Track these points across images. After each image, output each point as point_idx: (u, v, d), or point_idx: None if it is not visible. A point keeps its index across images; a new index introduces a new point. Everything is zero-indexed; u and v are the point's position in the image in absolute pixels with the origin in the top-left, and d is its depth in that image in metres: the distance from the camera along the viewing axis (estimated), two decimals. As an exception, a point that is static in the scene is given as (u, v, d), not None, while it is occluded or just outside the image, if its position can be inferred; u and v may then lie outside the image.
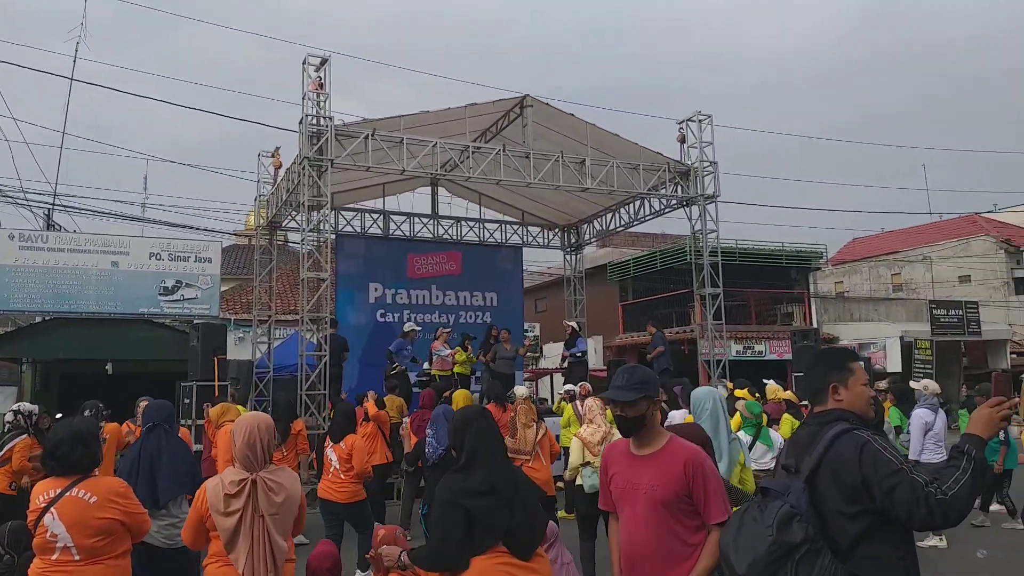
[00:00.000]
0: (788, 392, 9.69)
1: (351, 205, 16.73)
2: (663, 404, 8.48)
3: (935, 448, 8.00)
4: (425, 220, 17.42)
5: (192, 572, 4.61)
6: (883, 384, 14.93)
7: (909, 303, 28.13)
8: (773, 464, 7.31)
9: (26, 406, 7.84)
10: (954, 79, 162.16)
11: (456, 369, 13.17)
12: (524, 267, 19.15)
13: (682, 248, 19.93)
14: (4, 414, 9.73)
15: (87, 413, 7.49)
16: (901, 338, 23.00)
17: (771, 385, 10.10)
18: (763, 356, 21.70)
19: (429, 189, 17.37)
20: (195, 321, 15.61)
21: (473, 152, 13.41)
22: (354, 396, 10.98)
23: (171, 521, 4.73)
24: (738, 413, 7.31)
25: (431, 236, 17.40)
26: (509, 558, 2.98)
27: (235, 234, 26.16)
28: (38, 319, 17.89)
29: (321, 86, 12.25)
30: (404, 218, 17.22)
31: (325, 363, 12.10)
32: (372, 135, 12.41)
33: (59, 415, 10.40)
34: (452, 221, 17.77)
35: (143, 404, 6.96)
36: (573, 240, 18.93)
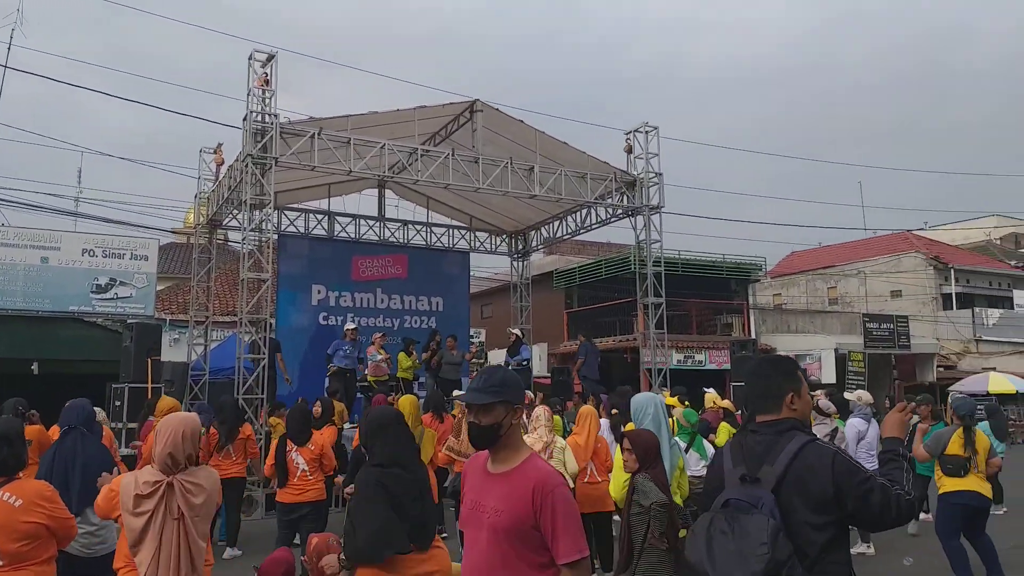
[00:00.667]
0: (726, 401, 9.88)
1: (295, 205, 16.45)
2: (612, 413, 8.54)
3: (868, 457, 8.21)
4: (371, 222, 17.23)
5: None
6: (820, 395, 15.30)
7: (844, 316, 29.00)
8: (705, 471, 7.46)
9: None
10: (891, 104, 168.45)
11: (400, 375, 13.04)
12: (471, 272, 19.12)
13: (627, 257, 20.18)
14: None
15: (8, 412, 7.13)
16: (836, 350, 23.67)
17: (710, 394, 10.27)
18: (703, 365, 22.08)
19: (376, 191, 17.21)
20: (129, 321, 15.10)
21: (422, 155, 13.32)
22: (293, 401, 10.74)
23: (89, 529, 4.50)
24: (674, 420, 7.44)
25: (377, 238, 17.22)
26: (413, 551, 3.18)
27: (173, 232, 25.42)
28: (-41, 315, 17.06)
29: (267, 83, 12.00)
30: (349, 219, 17.01)
31: (264, 366, 11.84)
32: (318, 134, 12.22)
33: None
34: (399, 224, 17.62)
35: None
36: (520, 246, 18.96)
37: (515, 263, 19.09)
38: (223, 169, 14.45)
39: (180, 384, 14.01)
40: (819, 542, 2.36)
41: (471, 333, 19.47)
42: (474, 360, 17.83)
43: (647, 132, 15.00)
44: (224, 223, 15.69)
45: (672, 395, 9.78)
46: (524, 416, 9.31)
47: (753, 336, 24.03)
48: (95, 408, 5.76)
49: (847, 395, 9.19)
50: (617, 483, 4.96)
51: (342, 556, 3.26)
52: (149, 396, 11.68)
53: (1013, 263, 37.38)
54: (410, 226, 17.73)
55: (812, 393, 3.67)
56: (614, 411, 8.59)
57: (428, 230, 17.95)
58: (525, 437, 6.57)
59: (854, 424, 8.40)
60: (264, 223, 12.58)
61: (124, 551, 3.30)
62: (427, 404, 9.28)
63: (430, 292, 17.33)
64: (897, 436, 2.62)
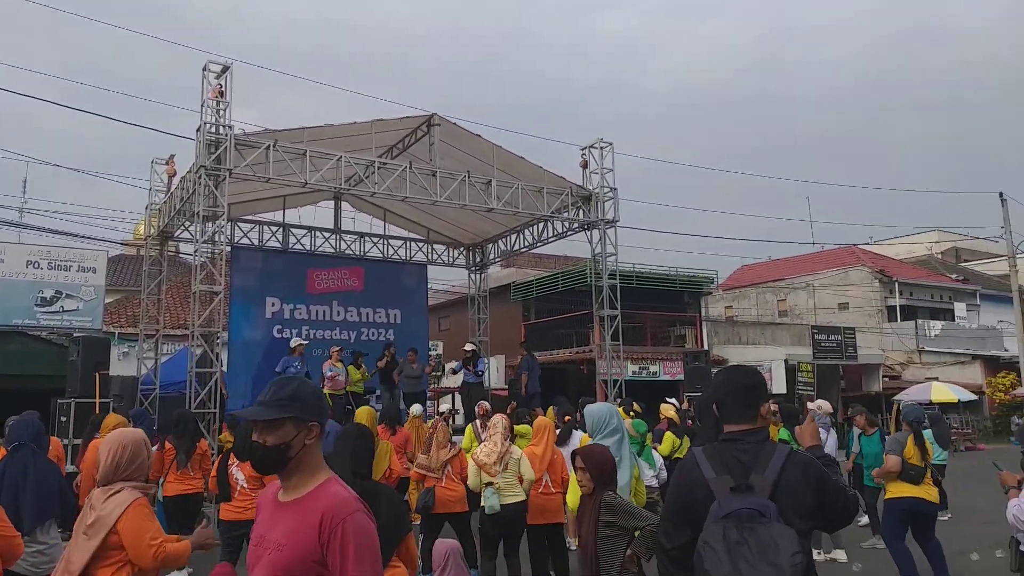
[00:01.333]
0: (671, 410, 10.09)
1: (249, 217, 16.24)
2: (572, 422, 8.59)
3: (823, 465, 8.41)
4: (327, 235, 17.11)
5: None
6: (773, 406, 15.63)
7: (793, 328, 29.66)
8: (655, 482, 7.58)
9: None
10: (838, 117, 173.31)
11: (350, 388, 12.93)
12: (428, 285, 19.08)
13: (583, 270, 20.35)
14: None
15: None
16: (786, 361, 24.18)
17: (664, 405, 10.45)
18: (657, 376, 22.35)
19: (332, 203, 17.10)
20: (75, 334, 14.69)
21: (379, 168, 13.30)
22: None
23: (38, 548, 4.38)
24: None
25: (333, 251, 17.10)
26: None
27: (123, 244, 24.86)
28: None
29: (222, 93, 11.90)
30: (305, 232, 16.86)
31: (215, 380, 11.65)
32: (274, 146, 12.13)
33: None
34: (355, 236, 17.53)
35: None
36: (478, 259, 19.01)
37: (473, 276, 19.12)
38: (175, 180, 14.22)
39: (129, 399, 13.69)
40: (805, 548, 2.44)
41: (429, 345, 19.41)
42: (433, 373, 17.80)
43: (602, 148, 15.21)
44: (176, 235, 15.44)
45: (619, 406, 9.93)
46: (479, 425, 9.36)
47: (706, 347, 24.41)
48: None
49: (809, 404, 9.41)
50: (576, 495, 4.88)
51: None
52: (97, 411, 11.38)
53: (954, 277, 38.70)
54: (367, 239, 17.65)
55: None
56: (567, 417, 8.67)
57: (385, 243, 17.88)
58: (479, 449, 6.61)
59: (813, 433, 8.60)
60: (217, 235, 12.42)
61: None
62: (381, 416, 9.24)
63: (387, 305, 17.24)
64: (816, 444, 2.89)
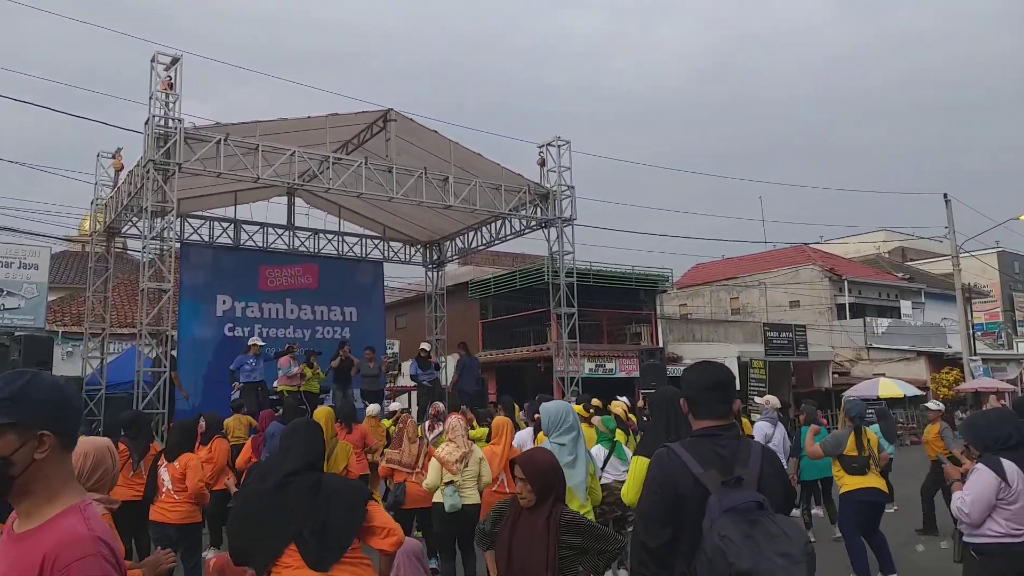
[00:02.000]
0: (621, 408, 10.18)
1: (199, 212, 15.89)
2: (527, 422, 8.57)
3: (773, 459, 8.55)
4: (280, 231, 16.82)
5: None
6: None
7: (746, 325, 30.14)
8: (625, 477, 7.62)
9: None
10: (788, 121, 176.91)
11: (304, 388, 12.74)
12: (385, 282, 18.89)
13: (540, 268, 20.37)
14: None
15: None
16: (738, 358, 24.55)
17: (615, 403, 10.54)
18: (613, 374, 22.49)
19: (285, 199, 16.82)
20: (16, 333, 14.20)
21: (334, 163, 13.11)
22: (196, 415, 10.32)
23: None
24: (592, 428, 7.60)
25: (286, 248, 16.81)
26: (303, 569, 3.00)
27: (67, 240, 24.10)
28: None
29: (171, 86, 11.62)
30: (257, 228, 16.55)
31: (164, 379, 11.36)
32: (225, 140, 11.87)
33: None
34: (309, 233, 17.27)
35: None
36: (435, 257, 18.89)
37: (430, 273, 19.00)
38: (122, 175, 13.85)
39: (73, 400, 13.26)
40: None
41: (386, 344, 19.23)
42: (390, 372, 17.61)
43: (559, 146, 15.24)
44: (123, 231, 15.07)
45: (577, 403, 9.95)
46: (429, 427, 9.27)
47: (661, 345, 24.65)
48: None
49: (757, 399, 9.55)
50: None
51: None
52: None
53: (900, 275, 39.79)
54: (321, 235, 17.40)
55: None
56: (536, 415, 8.66)
57: (340, 239, 17.65)
58: (441, 448, 6.54)
59: (761, 427, 8.73)
60: (166, 231, 12.13)
61: None
62: (337, 414, 9.09)
63: (343, 302, 17.02)
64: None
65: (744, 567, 2.16)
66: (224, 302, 15.55)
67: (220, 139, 11.84)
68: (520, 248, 27.80)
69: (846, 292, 34.47)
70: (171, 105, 11.62)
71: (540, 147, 15.45)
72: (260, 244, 16.54)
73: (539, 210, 15.40)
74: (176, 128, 11.55)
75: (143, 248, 11.96)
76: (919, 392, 25.52)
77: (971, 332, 29.94)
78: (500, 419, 7.33)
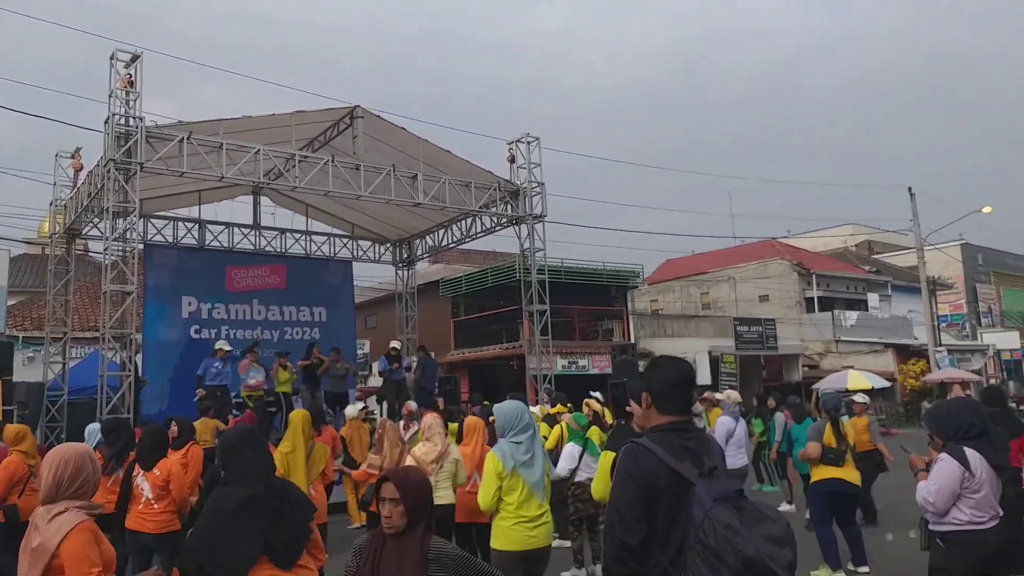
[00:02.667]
0: (596, 405, 10.17)
1: (162, 213, 15.60)
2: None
3: (736, 453, 8.58)
4: (246, 231, 16.58)
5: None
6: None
7: (716, 320, 30.39)
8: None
9: None
10: (758, 116, 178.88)
11: (279, 389, 12.54)
12: (355, 282, 18.71)
13: (512, 266, 20.32)
14: None
15: None
16: (709, 352, 24.74)
17: (588, 399, 10.54)
18: (586, 370, 22.51)
19: (251, 198, 16.58)
20: (-27, 338, 13.84)
21: (300, 161, 12.92)
22: (162, 420, 10.11)
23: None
24: (564, 426, 7.58)
25: (252, 247, 16.58)
26: (272, 569, 3.13)
27: (26, 242, 23.53)
28: None
29: (131, 84, 11.37)
30: (222, 228, 16.29)
31: (130, 384, 11.12)
32: (188, 138, 11.65)
33: None
34: (276, 232, 17.05)
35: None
36: (405, 255, 18.75)
37: (400, 272, 18.85)
38: (82, 175, 13.53)
39: (36, 406, 13.00)
40: None
41: (356, 344, 19.04)
42: (360, 373, 17.44)
43: (529, 143, 15.18)
44: (84, 232, 14.75)
45: (553, 404, 9.92)
46: (404, 427, 9.19)
47: (632, 340, 24.76)
48: None
49: (717, 395, 9.59)
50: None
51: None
52: (-1, 419, 10.69)
53: (867, 268, 40.38)
54: (288, 234, 17.18)
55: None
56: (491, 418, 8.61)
57: (308, 239, 17.45)
58: (418, 447, 6.48)
59: (723, 422, 8.78)
60: (128, 232, 11.86)
61: None
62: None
63: (311, 303, 16.82)
64: None
65: (749, 553, 2.21)
66: (190, 304, 15.28)
67: (183, 137, 11.61)
68: (491, 246, 27.81)
69: (814, 286, 34.87)
70: (131, 103, 11.38)
71: (509, 144, 15.38)
72: (226, 244, 16.29)
73: (509, 207, 15.35)
74: (137, 127, 11.31)
75: (105, 250, 11.69)
76: (886, 384, 25.91)
77: (936, 324, 30.49)
78: (472, 419, 7.28)
